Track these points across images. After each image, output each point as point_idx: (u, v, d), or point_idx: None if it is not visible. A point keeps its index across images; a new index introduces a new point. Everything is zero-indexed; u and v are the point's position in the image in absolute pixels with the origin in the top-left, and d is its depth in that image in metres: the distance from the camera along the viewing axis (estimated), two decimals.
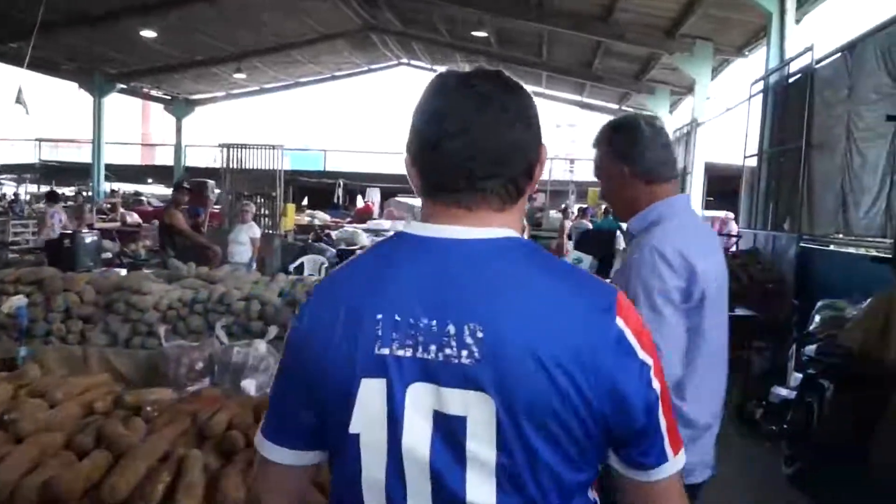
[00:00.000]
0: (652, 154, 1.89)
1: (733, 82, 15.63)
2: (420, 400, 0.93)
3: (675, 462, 0.99)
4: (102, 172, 22.83)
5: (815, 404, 3.65)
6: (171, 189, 8.03)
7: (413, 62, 24.72)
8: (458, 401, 0.92)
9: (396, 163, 26.52)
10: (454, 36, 18.84)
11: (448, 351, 0.92)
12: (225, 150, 10.85)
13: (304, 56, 21.76)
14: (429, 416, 0.93)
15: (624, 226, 2.07)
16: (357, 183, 24.16)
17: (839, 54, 7.71)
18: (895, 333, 3.43)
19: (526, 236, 1.20)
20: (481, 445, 0.92)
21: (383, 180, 24.38)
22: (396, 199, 22.94)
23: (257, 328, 3.88)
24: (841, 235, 7.36)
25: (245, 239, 8.04)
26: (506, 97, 1.02)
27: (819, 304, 5.98)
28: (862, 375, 3.56)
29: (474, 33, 15.95)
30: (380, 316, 0.95)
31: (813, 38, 8.50)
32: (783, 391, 4.20)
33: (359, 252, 1.21)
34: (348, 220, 20.52)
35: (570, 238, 14.23)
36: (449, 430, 0.93)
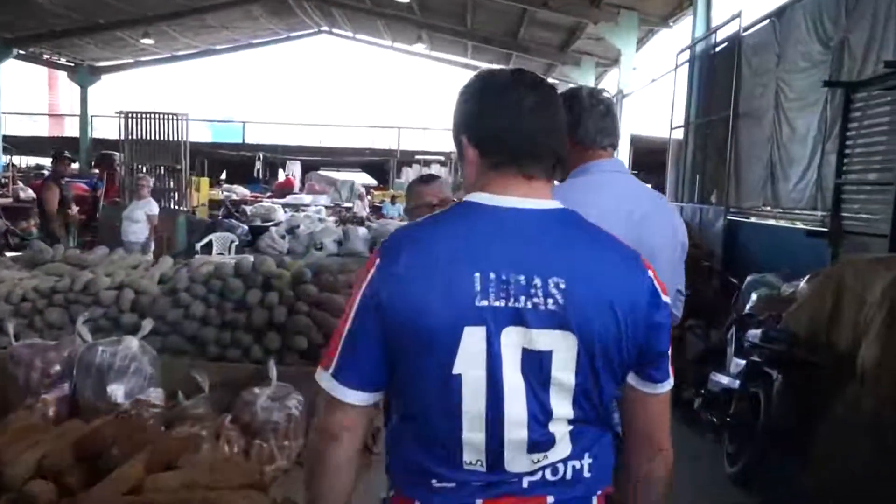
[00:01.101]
0: (590, 122, 2.04)
1: (659, 53, 15.58)
2: (513, 340, 1.15)
3: (671, 380, 1.32)
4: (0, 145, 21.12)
5: (761, 395, 3.33)
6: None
7: (335, 30, 23.80)
8: (546, 339, 1.15)
9: (318, 134, 25.63)
10: (375, 3, 18.11)
11: (536, 300, 1.14)
12: (124, 118, 9.92)
13: (218, 21, 20.59)
14: (518, 352, 1.16)
15: None
16: (278, 156, 23.21)
17: (767, 21, 7.52)
18: (846, 317, 3.14)
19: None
20: (563, 372, 1.17)
21: (304, 153, 23.49)
22: (318, 172, 22.13)
23: (130, 322, 3.30)
24: (769, 208, 7.20)
25: (140, 216, 7.28)
26: (552, 91, 1.28)
27: (749, 278, 5.77)
28: (810, 363, 3.27)
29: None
30: (477, 274, 1.15)
31: (740, 5, 8.29)
32: (723, 379, 3.88)
33: (430, 217, 1.30)
34: (268, 194, 19.64)
35: None
36: (537, 363, 1.16)
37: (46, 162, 24.10)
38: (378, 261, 1.20)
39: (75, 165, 21.47)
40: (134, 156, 9.93)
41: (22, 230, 8.74)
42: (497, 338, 1.14)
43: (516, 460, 1.19)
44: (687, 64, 9.81)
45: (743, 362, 3.68)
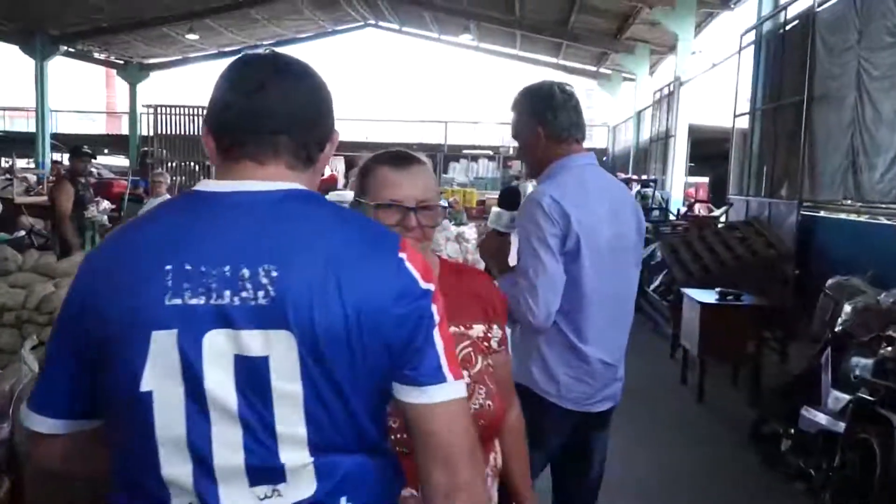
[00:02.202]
0: (563, 116, 2.09)
1: (719, 38, 14.68)
2: (218, 346, 0.94)
3: (455, 386, 1.02)
4: (48, 143, 21.38)
5: (876, 444, 2.58)
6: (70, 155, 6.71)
7: (381, 23, 23.40)
8: (258, 341, 0.94)
9: (364, 129, 25.30)
10: None
11: (244, 294, 0.94)
12: (153, 113, 9.59)
13: (263, 15, 20.39)
14: (229, 360, 0.94)
15: None
16: None
17: None
18: None
19: None
20: (285, 381, 0.94)
21: (347, 148, 23.14)
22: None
23: None
24: (850, 201, 6.36)
25: None
26: (302, 72, 1.09)
27: (831, 282, 5.02)
28: None
29: None
30: (169, 267, 0.96)
31: None
32: (820, 417, 3.11)
33: (157, 206, 1.13)
34: None
35: None
36: (253, 371, 0.94)
37: (100, 160, 24.40)
38: (83, 261, 1.07)
39: (107, 161, 21.44)
40: (163, 151, 9.56)
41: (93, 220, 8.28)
42: (196, 343, 0.94)
43: (236, 496, 0.96)
44: (752, 46, 8.98)
45: (846, 398, 2.94)
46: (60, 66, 22.27)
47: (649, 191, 12.27)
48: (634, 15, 14.59)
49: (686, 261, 6.06)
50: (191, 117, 9.65)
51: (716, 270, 5.71)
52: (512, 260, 2.13)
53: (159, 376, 0.95)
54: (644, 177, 14.71)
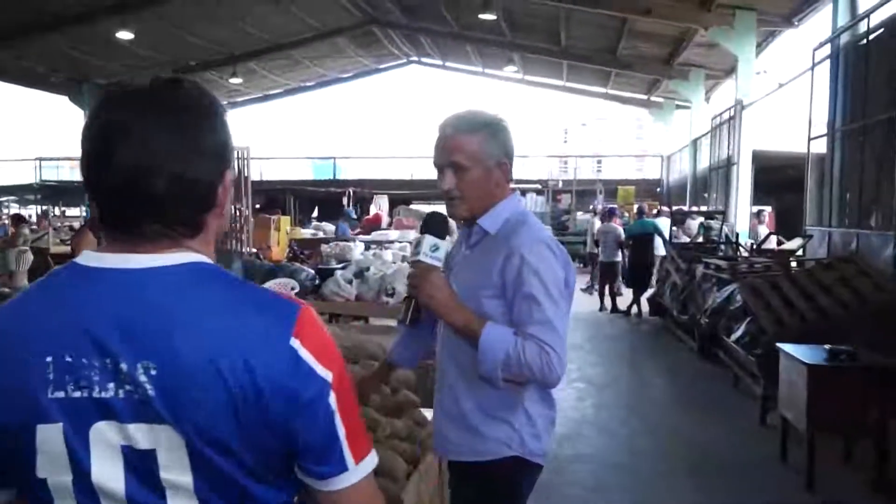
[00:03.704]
0: (514, 152, 1.97)
1: (783, 58, 13.74)
2: (105, 439, 0.92)
3: (357, 469, 1.00)
4: None
5: None
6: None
7: (423, 59, 23.19)
8: (145, 435, 0.92)
9: (409, 167, 24.88)
10: (461, 24, 17.16)
11: (128, 387, 0.91)
12: None
13: (305, 57, 20.39)
14: (117, 452, 0.92)
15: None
16: (367, 191, 22.59)
17: None
18: None
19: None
20: (175, 473, 0.92)
21: (393, 186, 22.78)
22: (408, 206, 21.26)
23: None
24: None
25: None
26: (170, 118, 0.94)
27: None
28: None
29: (481, 16, 14.17)
30: (49, 358, 0.92)
31: None
32: None
33: (32, 285, 1.07)
34: (357, 231, 18.88)
35: (597, 244, 12.32)
36: (141, 464, 0.92)
37: None
38: None
39: None
40: None
41: None
42: (83, 437, 0.91)
43: None
44: (828, 61, 8.10)
45: None
46: None
47: (715, 223, 11.31)
48: (688, 38, 13.83)
49: (776, 307, 5.17)
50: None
51: (816, 320, 4.81)
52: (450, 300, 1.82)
53: (49, 466, 0.93)
54: (707, 208, 13.76)
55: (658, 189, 22.48)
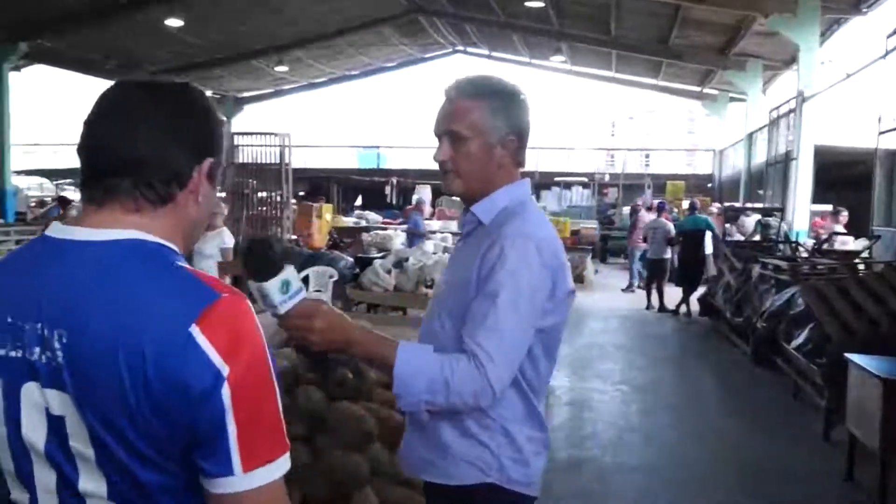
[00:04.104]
0: (529, 134, 1.66)
1: (848, 48, 13.04)
2: (33, 398, 0.99)
3: (245, 478, 0.95)
4: None
5: None
6: None
7: (469, 49, 22.89)
8: (57, 401, 0.97)
9: None
10: (508, 13, 16.81)
11: (48, 353, 0.97)
12: (228, 140, 9.12)
13: (350, 45, 20.30)
14: (42, 413, 0.98)
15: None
16: (412, 180, 22.48)
17: None
18: None
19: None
20: (80, 444, 0.97)
21: (436, 177, 22.52)
22: (450, 197, 21.07)
23: None
24: None
25: (212, 250, 6.20)
26: (153, 102, 1.05)
27: None
28: None
29: (528, 4, 13.83)
30: None
31: None
32: None
33: (10, 252, 1.18)
34: (399, 220, 18.80)
35: (644, 240, 11.91)
36: (56, 428, 0.98)
37: None
38: None
39: None
40: (238, 179, 9.02)
41: None
42: (15, 393, 1.00)
43: None
44: None
45: None
46: None
47: (773, 220, 10.79)
48: (746, 27, 13.25)
49: (842, 313, 4.78)
50: (267, 147, 9.04)
51: (890, 328, 4.42)
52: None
53: None
54: (762, 205, 13.20)
55: (709, 184, 21.84)
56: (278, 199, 9.40)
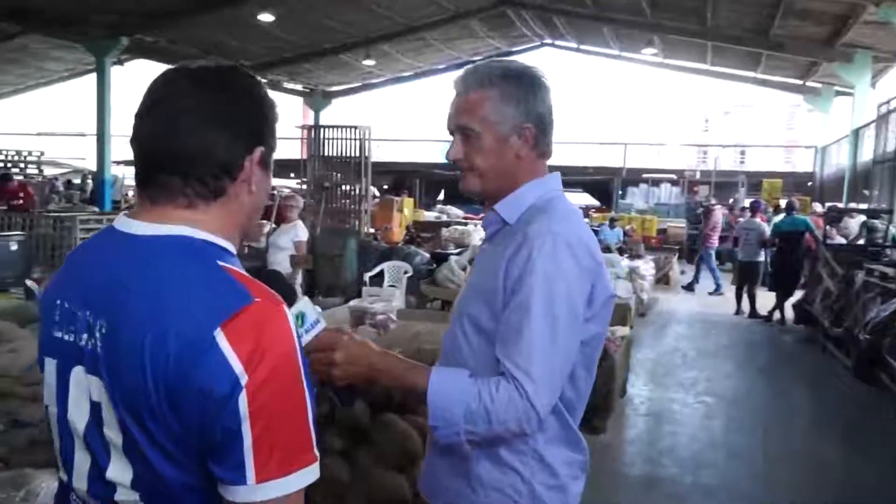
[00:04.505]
0: (548, 115, 1.48)
1: None
2: (79, 381, 1.02)
3: (257, 490, 0.93)
4: None
5: None
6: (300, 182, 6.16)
7: (557, 42, 22.45)
8: (96, 388, 0.99)
9: None
10: (598, 4, 16.34)
11: (92, 341, 1.00)
12: (307, 133, 9.19)
13: (437, 39, 20.27)
14: (86, 397, 1.01)
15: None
16: None
17: None
18: None
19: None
20: (112, 431, 0.98)
21: None
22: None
23: None
24: None
25: (286, 242, 6.24)
26: (199, 91, 1.03)
27: None
28: None
29: None
30: (58, 301, 1.06)
31: None
32: None
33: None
34: (481, 215, 18.65)
35: (736, 242, 11.31)
36: (95, 414, 1.00)
37: (277, 182, 25.52)
38: None
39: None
40: (317, 173, 9.09)
41: None
42: (66, 375, 1.04)
43: None
44: None
45: None
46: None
47: (879, 223, 10.03)
48: (855, 16, 12.38)
49: None
50: (348, 140, 9.07)
51: None
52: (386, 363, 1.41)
53: (48, 395, 1.07)
54: (870, 206, 12.32)
55: (809, 183, 20.66)
56: (357, 192, 9.41)
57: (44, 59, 20.89)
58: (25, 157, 19.67)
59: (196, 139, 1.00)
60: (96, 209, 14.87)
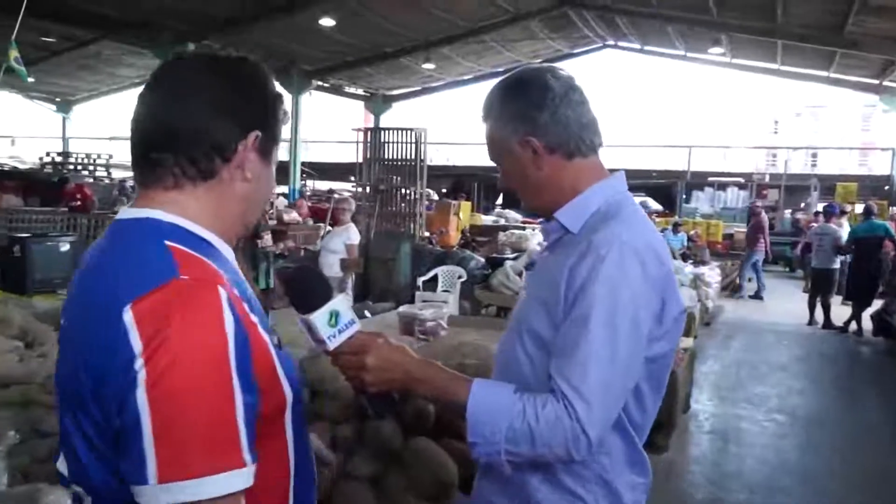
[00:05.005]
0: (569, 114, 1.35)
1: None
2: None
3: (158, 491, 0.83)
4: (298, 170, 23.01)
5: None
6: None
7: (620, 43, 22.03)
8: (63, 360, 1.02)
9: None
10: (663, 4, 15.90)
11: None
12: (363, 136, 9.15)
13: (497, 41, 20.11)
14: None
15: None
16: None
17: None
18: None
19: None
20: (64, 413, 0.97)
21: None
22: None
23: None
24: None
25: (338, 245, 6.18)
26: (198, 74, 1.03)
27: None
28: None
29: None
30: (68, 291, 1.06)
31: None
32: None
33: None
34: (540, 220, 18.40)
35: (808, 249, 10.79)
36: (61, 399, 1.03)
37: (340, 185, 25.85)
38: None
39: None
40: (371, 175, 9.05)
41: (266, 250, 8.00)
42: (62, 357, 1.07)
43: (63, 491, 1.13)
44: None
45: None
46: (323, 100, 24.40)
47: None
48: None
49: None
50: (404, 143, 9.00)
51: None
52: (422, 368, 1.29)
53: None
54: None
55: (886, 187, 19.68)
56: (413, 195, 9.33)
57: (116, 65, 21.66)
58: (94, 160, 20.36)
59: (186, 117, 0.99)
60: None
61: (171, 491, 0.82)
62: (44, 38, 18.53)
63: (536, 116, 1.34)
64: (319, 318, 1.18)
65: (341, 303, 1.22)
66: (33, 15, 14.26)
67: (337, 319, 1.20)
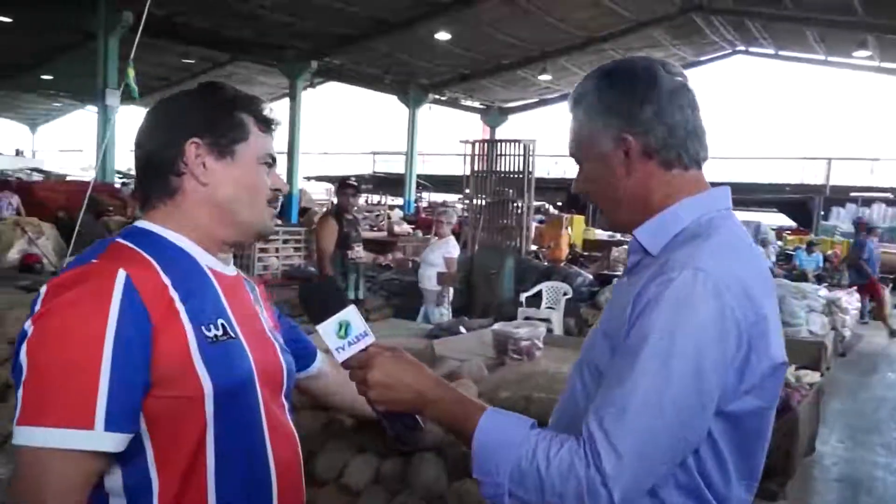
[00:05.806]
0: (677, 116, 1.11)
1: None
2: None
3: (17, 432, 0.97)
4: (413, 183, 23.36)
5: None
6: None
7: (752, 49, 20.81)
8: None
9: (726, 169, 22.61)
10: (801, 5, 14.81)
11: None
12: (470, 148, 9.00)
13: (617, 50, 19.52)
14: None
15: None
16: None
17: None
18: None
19: None
20: None
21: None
22: None
23: None
24: None
25: (437, 258, 6.01)
26: (166, 101, 1.17)
27: None
28: None
29: None
30: None
31: None
32: None
33: None
34: None
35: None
36: None
37: (453, 197, 26.00)
38: None
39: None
40: (480, 189, 8.90)
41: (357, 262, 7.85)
42: None
43: None
44: None
45: None
46: (441, 113, 24.67)
47: None
48: None
49: None
50: (515, 157, 8.79)
51: None
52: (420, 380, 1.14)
53: None
54: None
55: None
56: (520, 208, 9.08)
57: (249, 83, 22.89)
58: None
59: (139, 149, 1.13)
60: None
61: (22, 434, 0.95)
62: (184, 60, 19.87)
63: (638, 112, 1.11)
64: (328, 328, 1.14)
65: (351, 314, 1.15)
66: (174, 40, 15.38)
67: (347, 331, 1.15)
